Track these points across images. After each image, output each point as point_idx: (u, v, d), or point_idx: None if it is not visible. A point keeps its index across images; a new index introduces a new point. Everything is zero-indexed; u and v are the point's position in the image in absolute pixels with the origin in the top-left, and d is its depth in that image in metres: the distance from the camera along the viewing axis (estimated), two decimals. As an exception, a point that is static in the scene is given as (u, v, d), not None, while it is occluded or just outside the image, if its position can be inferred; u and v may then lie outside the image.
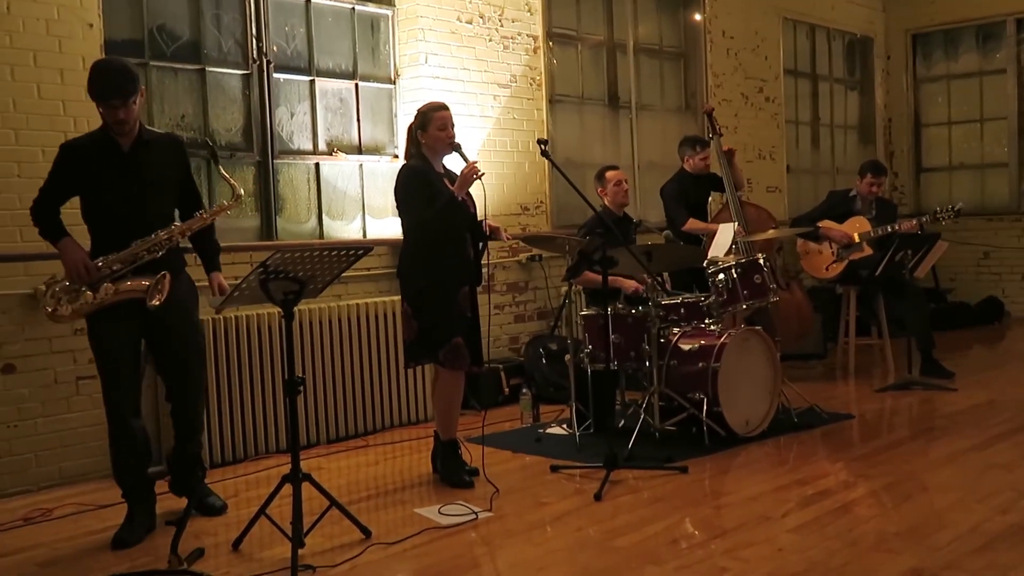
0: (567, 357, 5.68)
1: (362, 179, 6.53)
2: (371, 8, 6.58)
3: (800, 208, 9.00)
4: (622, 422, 5.56)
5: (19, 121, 4.87)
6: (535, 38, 7.32)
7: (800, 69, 10.13)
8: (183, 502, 4.30)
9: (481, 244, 4.86)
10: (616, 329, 5.43)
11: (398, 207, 4.82)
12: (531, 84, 7.28)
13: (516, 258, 7.11)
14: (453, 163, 4.82)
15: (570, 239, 5.24)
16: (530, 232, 6.95)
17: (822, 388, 6.89)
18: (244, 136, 5.96)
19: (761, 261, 5.80)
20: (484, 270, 4.92)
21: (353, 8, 6.50)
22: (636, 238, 6.23)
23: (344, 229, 6.44)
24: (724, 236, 6.20)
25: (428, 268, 4.69)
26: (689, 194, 7.01)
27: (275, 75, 6.06)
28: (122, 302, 3.97)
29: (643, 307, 5.48)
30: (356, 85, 6.52)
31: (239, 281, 3.74)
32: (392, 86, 6.69)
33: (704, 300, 5.70)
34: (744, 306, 5.74)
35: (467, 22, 6.85)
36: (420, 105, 4.93)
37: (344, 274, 4.11)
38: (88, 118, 4.79)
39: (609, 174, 6.12)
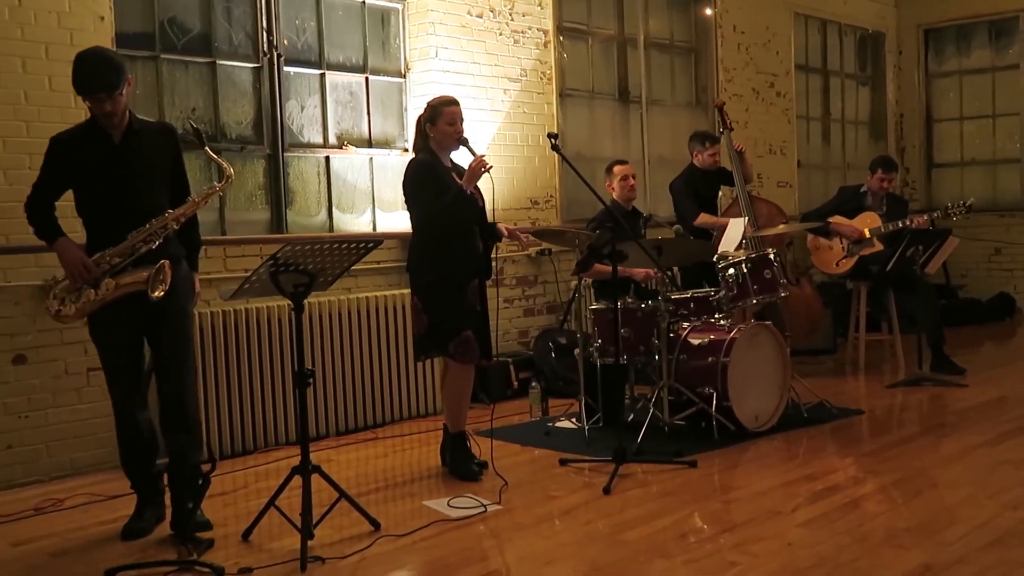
0: (576, 351, 5.68)
1: (372, 173, 6.53)
2: (381, 2, 6.58)
3: (810, 204, 8.98)
4: (631, 416, 5.56)
5: (31, 113, 4.89)
6: (545, 32, 7.31)
7: (811, 64, 10.10)
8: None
9: (491, 239, 4.87)
10: (626, 323, 5.42)
11: (406, 201, 4.83)
12: (541, 78, 7.28)
13: (526, 252, 7.11)
14: (462, 157, 4.83)
15: (580, 233, 5.24)
16: (540, 226, 6.94)
17: (832, 383, 6.87)
18: (254, 129, 5.97)
19: (771, 256, 5.78)
20: (493, 264, 4.92)
21: (363, 2, 6.50)
22: (645, 232, 6.23)
23: (354, 222, 6.45)
24: (734, 231, 6.19)
25: (437, 262, 4.69)
26: (699, 189, 6.99)
27: (285, 68, 6.06)
28: (121, 296, 3.91)
29: (653, 301, 5.47)
30: (366, 79, 6.52)
31: (249, 273, 3.75)
32: (402, 80, 6.69)
33: (714, 295, 5.69)
34: (754, 301, 5.73)
35: (477, 16, 6.85)
36: (430, 98, 4.93)
37: (354, 267, 4.12)
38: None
39: (617, 168, 6.12)
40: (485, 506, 4.25)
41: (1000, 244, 10.42)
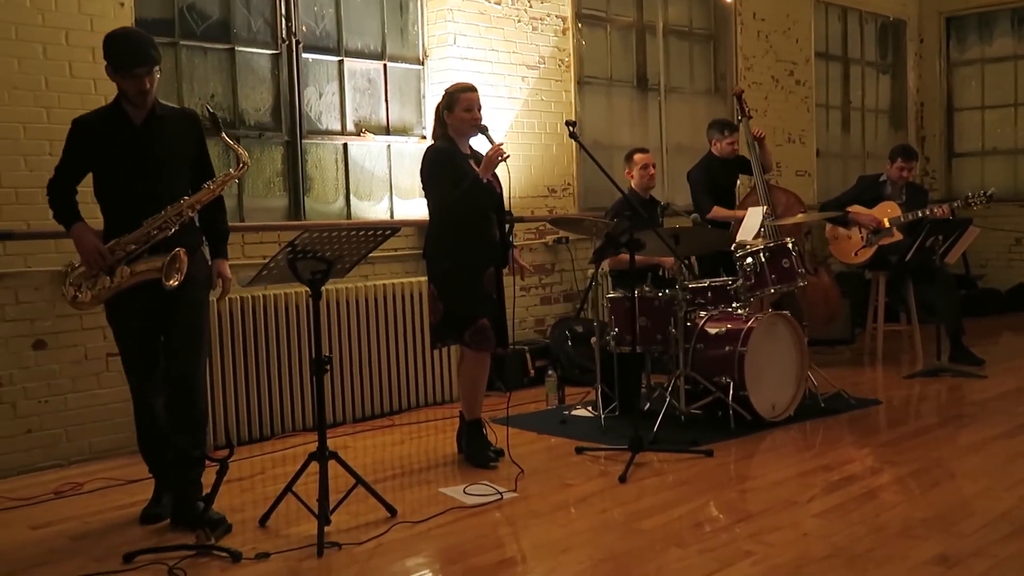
0: (593, 339, 5.67)
1: (390, 160, 6.54)
2: (400, -12, 6.58)
3: (829, 193, 8.93)
4: (647, 405, 5.56)
5: (51, 99, 4.91)
6: (564, 19, 7.29)
7: (831, 52, 10.03)
8: (209, 479, 4.32)
9: (507, 226, 4.87)
10: (643, 312, 5.42)
11: (424, 188, 4.83)
12: (560, 66, 7.25)
13: (543, 240, 7.10)
14: (480, 143, 4.82)
15: (597, 221, 5.23)
16: (557, 214, 6.93)
17: (849, 374, 6.85)
18: (273, 116, 5.98)
19: (789, 245, 5.76)
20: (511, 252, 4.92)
21: (382, -12, 6.50)
22: (664, 221, 6.21)
23: (372, 210, 6.46)
24: (752, 220, 6.16)
25: (454, 249, 4.69)
26: (717, 179, 6.96)
27: (304, 55, 6.07)
28: (136, 284, 3.87)
29: (670, 290, 5.46)
30: (384, 66, 6.52)
31: (267, 260, 3.76)
32: (420, 67, 6.69)
33: (732, 284, 5.68)
34: (772, 290, 5.72)
35: (496, 3, 6.83)
36: (448, 86, 4.93)
37: (371, 254, 4.12)
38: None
39: (637, 156, 6.11)
40: (501, 493, 4.26)
41: (1020, 234, 10.34)
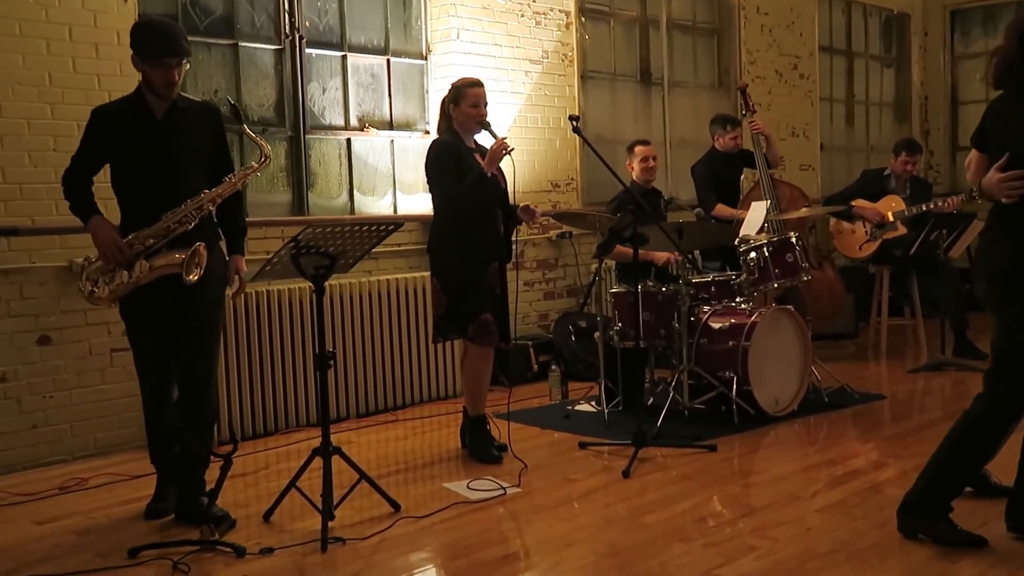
0: (596, 334, 5.67)
1: (393, 155, 6.53)
2: (403, -17, 6.57)
3: (833, 187, 8.91)
4: (651, 400, 5.56)
5: (54, 95, 4.91)
6: (567, 13, 7.27)
7: (835, 46, 10.01)
8: (213, 474, 4.33)
9: (511, 222, 4.87)
10: (646, 307, 5.42)
11: (428, 182, 4.84)
12: (563, 60, 7.25)
13: (546, 235, 7.10)
14: (483, 139, 4.82)
15: (600, 216, 5.23)
16: (560, 209, 6.93)
17: (853, 368, 6.84)
18: (276, 111, 5.98)
19: (793, 240, 5.76)
20: (514, 246, 4.92)
21: (385, -17, 6.49)
22: (667, 215, 6.20)
23: (375, 205, 6.46)
24: (756, 214, 6.16)
25: (458, 244, 4.69)
26: (720, 174, 6.95)
27: (307, 50, 6.07)
28: (155, 280, 3.83)
29: (673, 285, 5.46)
30: (388, 61, 6.52)
31: (271, 255, 3.76)
32: (424, 62, 6.68)
33: (735, 278, 5.67)
34: (775, 285, 5.72)
35: (499, -3, 6.83)
36: (452, 80, 4.93)
37: (375, 249, 4.12)
38: (123, 92, 4.79)
39: (638, 149, 6.10)
40: (504, 488, 4.26)
41: (1025, 228, 10.29)
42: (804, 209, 6.72)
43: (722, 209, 6.80)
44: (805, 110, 9.37)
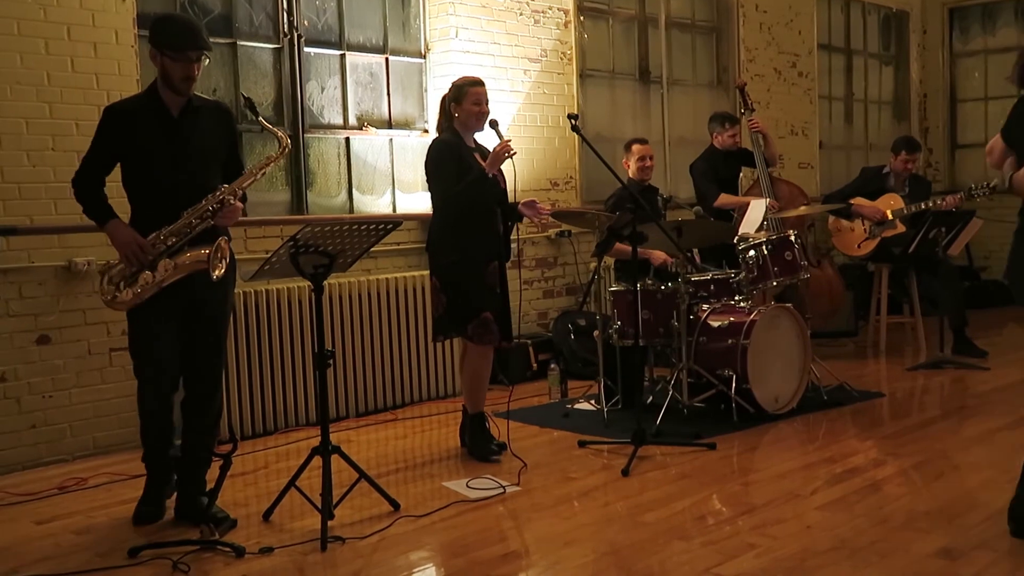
0: (596, 333, 5.67)
1: (392, 154, 6.53)
2: (402, -18, 6.57)
3: (832, 185, 8.92)
4: (650, 398, 5.56)
5: (53, 95, 4.91)
6: (566, 12, 7.27)
7: (834, 44, 10.01)
8: (213, 474, 4.33)
9: (511, 221, 4.86)
10: (645, 305, 5.42)
11: (428, 181, 4.83)
12: (562, 59, 7.24)
13: (545, 233, 7.10)
14: (486, 138, 4.82)
15: (599, 214, 5.23)
16: (559, 207, 6.93)
17: (852, 366, 6.85)
18: (275, 110, 5.98)
19: (792, 238, 5.76)
20: (513, 245, 4.92)
21: (384, -18, 6.49)
22: (666, 213, 6.21)
23: (374, 204, 6.46)
24: (755, 212, 6.16)
25: (457, 243, 4.69)
26: (719, 171, 6.95)
27: (306, 49, 6.06)
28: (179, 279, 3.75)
29: (672, 283, 5.46)
30: (386, 59, 6.51)
31: (270, 255, 3.76)
32: (422, 60, 6.68)
33: (734, 277, 5.67)
34: (774, 283, 5.72)
35: (498, -4, 6.82)
36: (451, 79, 4.93)
37: (373, 248, 4.12)
38: (122, 91, 4.82)
39: (635, 147, 6.09)
40: (504, 487, 4.26)
41: (1024, 226, 10.29)
42: (803, 207, 6.71)
43: (726, 198, 6.79)
44: (804, 108, 9.37)
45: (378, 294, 5.98)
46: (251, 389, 5.44)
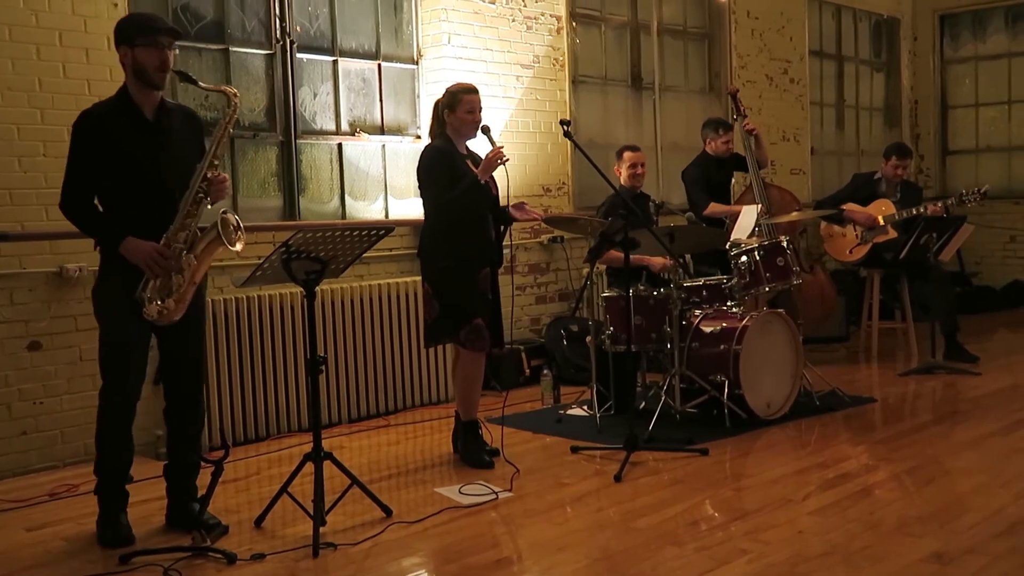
0: (588, 338, 5.68)
1: (384, 160, 6.53)
2: (394, -12, 6.58)
3: (824, 190, 8.94)
4: (643, 404, 5.56)
5: (44, 100, 4.90)
6: (558, 18, 7.29)
7: (826, 50, 10.04)
8: (204, 480, 4.32)
9: (503, 226, 4.87)
10: (638, 311, 5.42)
11: (420, 187, 4.83)
12: (554, 65, 7.25)
13: (538, 239, 7.11)
14: (478, 144, 4.82)
15: (592, 220, 5.23)
16: (552, 213, 6.93)
17: (844, 371, 6.86)
18: (267, 116, 5.97)
19: (784, 244, 5.77)
20: (505, 251, 4.92)
21: (376, -12, 6.49)
22: (658, 219, 6.21)
23: (366, 209, 6.45)
24: (747, 218, 6.17)
25: (449, 249, 4.69)
26: (711, 177, 6.95)
27: (298, 55, 6.06)
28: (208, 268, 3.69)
29: (665, 289, 5.46)
30: (379, 65, 6.51)
31: (262, 261, 3.75)
32: (415, 66, 6.68)
33: (726, 282, 5.68)
34: (767, 288, 5.72)
35: (490, 2, 6.83)
36: (444, 85, 4.93)
37: (366, 254, 4.12)
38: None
39: (627, 155, 6.09)
40: (496, 493, 4.26)
41: (1015, 231, 10.35)
42: (795, 213, 6.73)
43: (715, 207, 6.80)
44: (795, 114, 9.40)
45: (370, 300, 5.97)
46: (243, 395, 5.43)
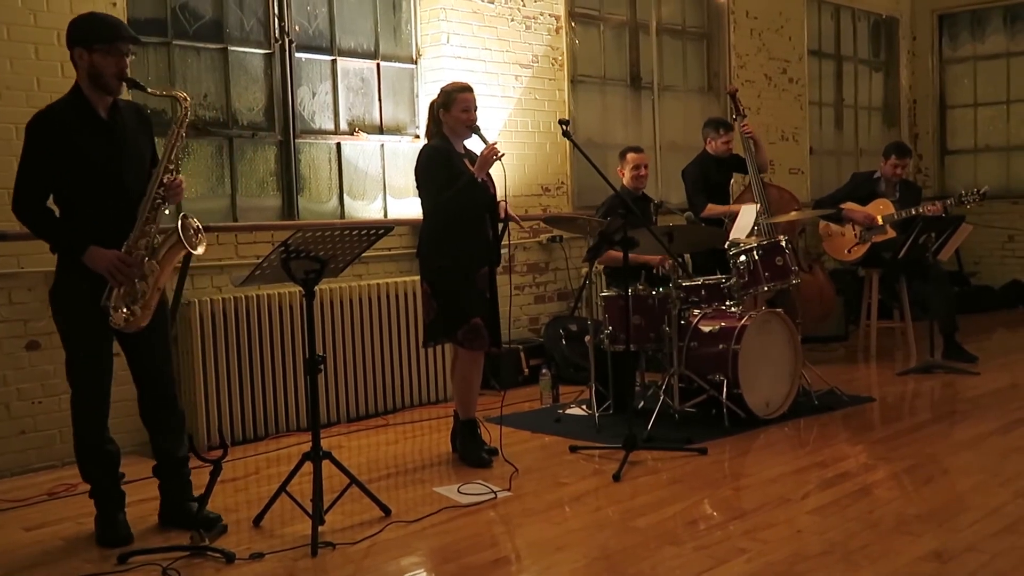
0: (587, 338, 5.68)
1: (383, 159, 6.53)
2: (393, -13, 6.57)
3: (823, 190, 8.95)
4: (641, 403, 5.56)
5: (43, 100, 4.84)
6: (557, 18, 7.29)
7: (824, 50, 10.05)
8: (203, 479, 4.32)
9: (501, 225, 4.87)
10: (636, 310, 5.42)
11: (418, 187, 4.83)
12: (553, 64, 7.25)
13: (537, 239, 7.11)
14: (473, 144, 4.82)
15: (591, 220, 5.23)
16: (551, 213, 6.93)
17: (843, 371, 6.86)
18: (266, 116, 5.97)
19: (783, 243, 5.77)
20: (504, 251, 4.92)
21: (375, -13, 6.49)
22: (657, 219, 6.21)
23: (365, 209, 6.45)
24: (746, 218, 6.17)
25: (448, 248, 4.69)
26: (710, 177, 6.95)
27: (297, 55, 6.06)
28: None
29: (664, 288, 5.47)
30: (378, 65, 6.51)
31: (261, 260, 3.75)
32: (414, 66, 6.68)
33: (725, 282, 5.68)
34: (765, 288, 5.72)
35: (489, 2, 6.83)
36: (443, 84, 4.92)
37: (365, 254, 4.12)
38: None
39: (630, 156, 6.10)
40: (495, 492, 4.26)
41: (1013, 231, 10.36)
42: (794, 212, 6.73)
43: (713, 208, 6.79)
44: (794, 114, 9.40)
45: (369, 299, 5.97)
46: (242, 394, 5.43)
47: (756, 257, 5.69)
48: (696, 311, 5.57)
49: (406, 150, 6.56)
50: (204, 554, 3.60)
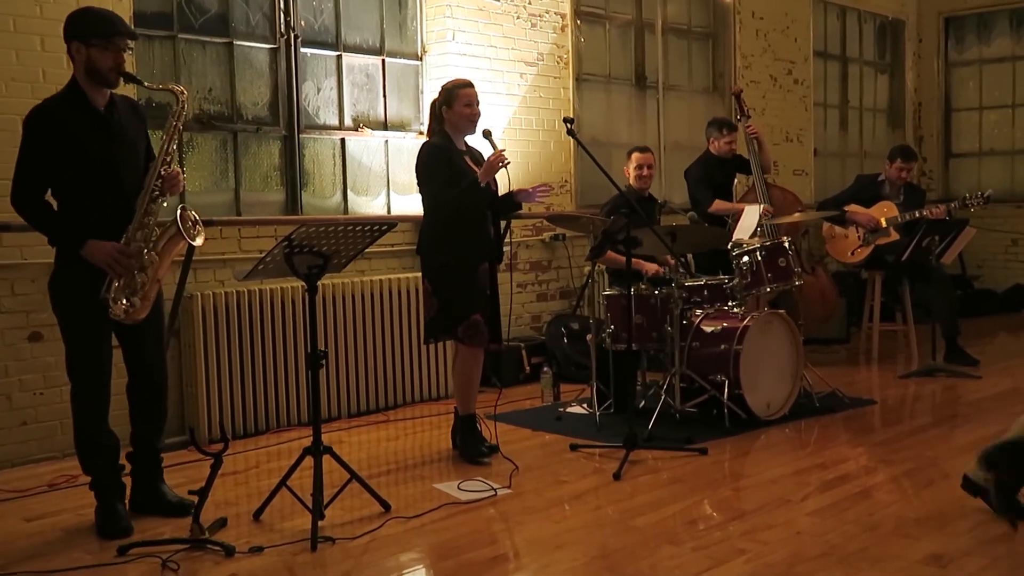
0: (589, 336, 5.68)
1: (387, 155, 6.53)
2: (399, -16, 6.57)
3: (827, 192, 8.93)
4: (642, 403, 5.56)
5: (48, 91, 4.79)
6: (563, 16, 7.28)
7: (830, 51, 10.04)
8: (203, 472, 4.32)
9: (504, 222, 4.87)
10: (639, 310, 5.42)
11: (418, 184, 4.84)
12: (558, 63, 7.25)
13: (539, 237, 7.11)
14: (478, 140, 4.82)
15: (594, 219, 5.23)
16: (554, 211, 6.93)
17: (844, 373, 6.86)
18: (271, 110, 5.97)
19: (786, 244, 5.77)
20: (507, 248, 4.92)
21: (381, -17, 6.49)
22: (660, 219, 6.21)
23: (369, 205, 6.46)
24: (750, 218, 6.17)
25: (448, 245, 4.70)
26: (714, 176, 6.95)
27: (302, 50, 6.06)
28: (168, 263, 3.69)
29: (666, 288, 5.46)
30: (383, 61, 6.51)
31: (264, 254, 3.75)
32: (419, 62, 6.68)
33: (728, 282, 5.68)
34: (768, 289, 5.72)
35: (495, -1, 6.83)
36: (444, 82, 4.93)
37: (368, 249, 4.12)
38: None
39: (635, 156, 6.09)
40: (495, 490, 4.26)
41: (1017, 235, 10.35)
42: (797, 214, 6.72)
43: (720, 204, 6.78)
44: (799, 115, 9.39)
45: (371, 295, 5.97)
46: (243, 388, 5.43)
47: (759, 258, 5.69)
48: (698, 311, 5.57)
49: (410, 146, 6.56)
50: (204, 547, 3.60)
